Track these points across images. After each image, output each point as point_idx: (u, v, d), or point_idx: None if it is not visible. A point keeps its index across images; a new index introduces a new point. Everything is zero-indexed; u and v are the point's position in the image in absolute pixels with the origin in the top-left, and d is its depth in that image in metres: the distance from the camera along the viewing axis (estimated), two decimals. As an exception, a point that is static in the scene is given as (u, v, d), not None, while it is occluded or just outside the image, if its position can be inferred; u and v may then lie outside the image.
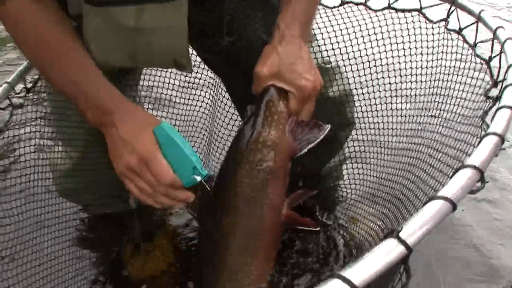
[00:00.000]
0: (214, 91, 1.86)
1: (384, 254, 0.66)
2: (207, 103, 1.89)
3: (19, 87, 1.45)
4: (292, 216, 1.15)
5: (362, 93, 1.62)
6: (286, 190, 1.16)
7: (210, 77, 1.87)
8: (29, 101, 1.47)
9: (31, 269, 1.35)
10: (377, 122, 1.63)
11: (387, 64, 1.58)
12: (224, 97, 1.82)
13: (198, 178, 1.09)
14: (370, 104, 1.63)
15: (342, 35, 1.57)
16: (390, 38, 1.55)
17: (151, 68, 1.83)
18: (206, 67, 1.77)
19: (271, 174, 1.12)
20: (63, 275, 1.45)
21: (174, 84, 1.88)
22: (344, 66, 1.59)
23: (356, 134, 1.69)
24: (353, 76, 1.60)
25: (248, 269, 1.12)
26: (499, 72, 1.14)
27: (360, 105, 1.63)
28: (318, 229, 1.17)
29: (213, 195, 1.15)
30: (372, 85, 1.60)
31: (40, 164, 1.48)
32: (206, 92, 1.88)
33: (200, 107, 1.91)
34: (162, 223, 1.79)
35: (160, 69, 1.84)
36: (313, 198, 1.62)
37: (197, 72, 1.86)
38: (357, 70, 1.60)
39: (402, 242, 0.66)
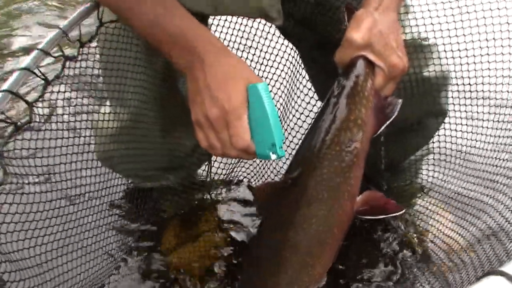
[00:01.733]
0: (291, 69, 1.68)
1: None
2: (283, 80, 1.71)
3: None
4: (366, 206, 1.08)
5: (462, 77, 1.42)
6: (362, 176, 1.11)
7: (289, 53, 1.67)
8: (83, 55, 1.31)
9: (58, 240, 1.21)
10: (475, 115, 1.44)
11: (494, 46, 1.36)
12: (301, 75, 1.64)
13: (273, 157, 1.01)
14: (470, 91, 1.43)
15: (444, 8, 1.37)
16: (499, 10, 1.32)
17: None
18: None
19: (357, 156, 1.06)
20: (89, 254, 1.32)
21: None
22: (444, 44, 1.40)
23: (450, 126, 1.49)
24: (452, 57, 1.40)
25: (313, 266, 1.08)
26: None
27: (457, 90, 1.44)
28: (403, 211, 1.07)
29: (289, 180, 1.07)
30: (475, 70, 1.39)
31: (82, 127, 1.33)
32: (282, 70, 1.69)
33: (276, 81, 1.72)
34: (208, 209, 1.67)
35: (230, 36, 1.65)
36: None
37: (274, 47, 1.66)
38: (458, 50, 1.40)
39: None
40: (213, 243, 1.53)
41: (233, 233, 1.56)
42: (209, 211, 1.64)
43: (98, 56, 1.34)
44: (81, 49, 1.29)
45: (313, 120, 1.13)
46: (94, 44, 1.32)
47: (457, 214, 1.45)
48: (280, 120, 1.07)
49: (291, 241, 1.07)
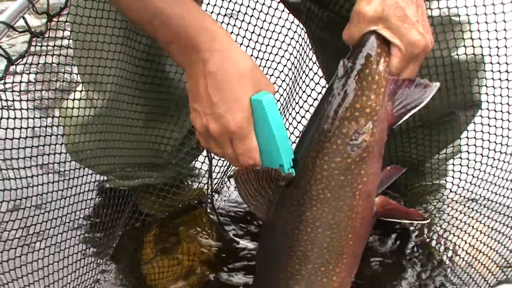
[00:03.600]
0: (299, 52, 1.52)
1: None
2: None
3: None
4: (388, 205, 0.99)
5: (499, 62, 1.21)
6: (380, 172, 1.00)
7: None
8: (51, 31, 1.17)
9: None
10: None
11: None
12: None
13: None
14: (507, 79, 1.22)
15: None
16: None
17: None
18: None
19: (367, 151, 0.94)
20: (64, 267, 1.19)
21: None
22: (478, 23, 1.20)
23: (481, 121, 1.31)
24: (488, 38, 1.20)
25: (329, 280, 0.99)
26: None
27: (493, 78, 1.24)
28: (428, 220, 1.04)
29: (289, 181, 0.97)
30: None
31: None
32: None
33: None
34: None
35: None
36: (401, 198, 1.49)
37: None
38: (495, 30, 1.18)
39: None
40: (197, 255, 1.41)
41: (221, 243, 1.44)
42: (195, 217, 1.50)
43: (69, 31, 1.21)
44: (49, 24, 1.16)
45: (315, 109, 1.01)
46: (64, 18, 1.19)
47: (489, 225, 1.31)
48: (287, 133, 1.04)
49: (297, 250, 0.98)
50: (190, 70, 0.94)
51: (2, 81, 1.07)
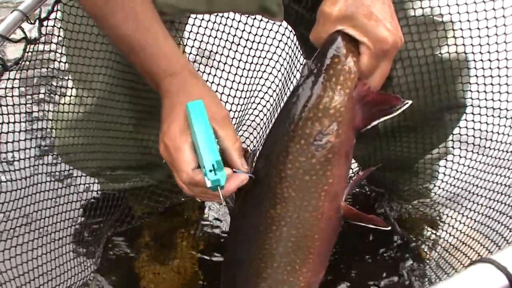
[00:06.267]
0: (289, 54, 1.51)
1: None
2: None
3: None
4: (352, 211, 0.95)
5: (481, 60, 1.20)
6: (348, 174, 0.99)
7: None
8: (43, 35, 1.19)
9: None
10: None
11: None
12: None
13: (208, 184, 0.86)
14: (492, 84, 1.21)
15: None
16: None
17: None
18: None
19: (332, 151, 0.92)
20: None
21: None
22: (460, 22, 1.19)
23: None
24: (470, 36, 1.18)
25: (295, 279, 0.96)
26: None
27: (476, 83, 1.23)
28: (389, 228, 0.94)
29: (255, 179, 0.95)
30: (497, 51, 1.17)
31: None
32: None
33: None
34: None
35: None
36: (386, 201, 1.49)
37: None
38: (477, 29, 1.17)
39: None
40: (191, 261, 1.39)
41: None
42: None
43: (61, 34, 1.21)
44: (41, 28, 1.18)
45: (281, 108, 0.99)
46: (56, 23, 1.20)
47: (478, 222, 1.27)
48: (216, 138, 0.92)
49: (263, 248, 0.95)
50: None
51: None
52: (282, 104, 1.47)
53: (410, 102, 0.91)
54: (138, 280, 1.33)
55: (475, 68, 1.21)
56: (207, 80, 1.43)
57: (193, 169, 0.89)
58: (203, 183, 0.86)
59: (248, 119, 1.57)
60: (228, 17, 1.41)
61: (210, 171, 0.85)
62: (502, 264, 0.51)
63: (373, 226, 0.92)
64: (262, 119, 1.56)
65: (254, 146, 1.54)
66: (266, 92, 1.53)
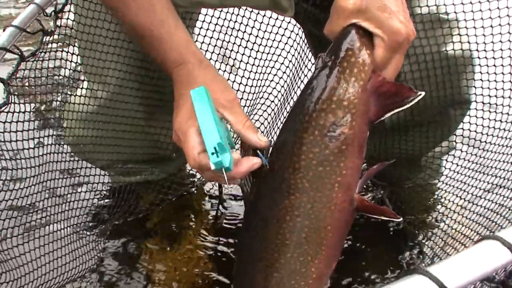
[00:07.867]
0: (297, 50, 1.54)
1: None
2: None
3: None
4: (365, 202, 0.96)
5: (485, 58, 1.22)
6: (361, 167, 0.98)
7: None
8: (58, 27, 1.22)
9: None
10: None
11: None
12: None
13: (212, 166, 0.89)
14: (495, 81, 1.23)
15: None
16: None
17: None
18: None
19: (346, 143, 0.93)
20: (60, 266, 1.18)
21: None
22: (465, 20, 1.22)
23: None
24: (475, 35, 1.21)
25: (307, 271, 0.96)
26: None
27: (481, 79, 1.24)
28: (400, 219, 0.94)
29: (269, 169, 0.97)
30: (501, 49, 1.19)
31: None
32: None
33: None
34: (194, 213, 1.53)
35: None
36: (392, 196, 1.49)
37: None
38: (482, 27, 1.20)
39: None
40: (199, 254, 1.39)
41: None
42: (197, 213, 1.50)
43: (75, 28, 1.23)
44: (57, 21, 1.21)
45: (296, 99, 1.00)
46: (70, 16, 1.24)
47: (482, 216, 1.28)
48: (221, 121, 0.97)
49: (276, 238, 0.96)
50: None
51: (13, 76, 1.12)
52: (290, 100, 1.53)
53: (423, 93, 0.91)
54: (145, 269, 1.35)
55: (479, 65, 1.24)
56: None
57: (199, 153, 0.92)
58: (209, 166, 0.89)
59: (256, 113, 1.59)
60: (238, 14, 1.45)
61: (213, 153, 0.88)
62: (508, 241, 0.55)
63: (386, 218, 0.93)
64: (270, 114, 1.59)
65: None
66: (275, 88, 1.56)
